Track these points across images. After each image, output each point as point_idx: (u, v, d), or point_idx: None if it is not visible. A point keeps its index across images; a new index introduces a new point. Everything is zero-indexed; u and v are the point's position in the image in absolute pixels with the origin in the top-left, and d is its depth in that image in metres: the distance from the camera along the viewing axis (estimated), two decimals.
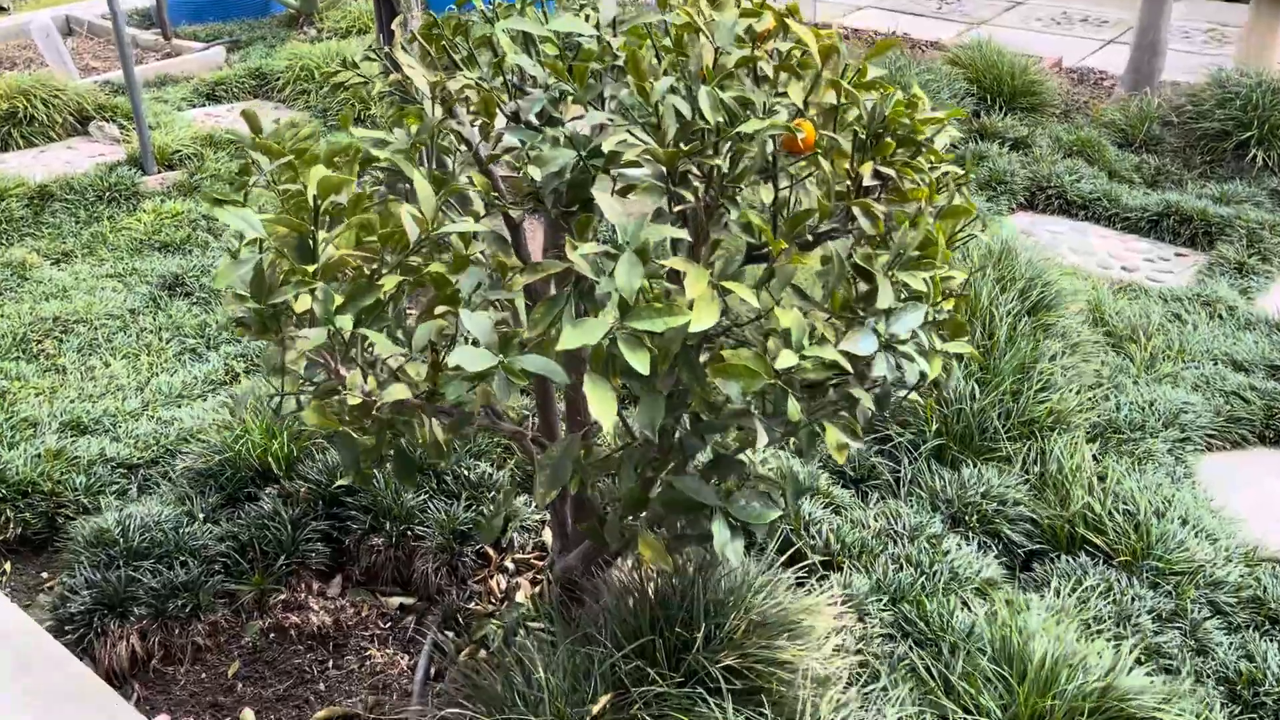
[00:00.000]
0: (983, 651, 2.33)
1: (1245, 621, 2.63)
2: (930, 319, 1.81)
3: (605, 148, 1.78)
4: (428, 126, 1.78)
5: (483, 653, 2.60)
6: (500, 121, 1.99)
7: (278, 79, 6.74)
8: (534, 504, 2.49)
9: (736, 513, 1.84)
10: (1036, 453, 3.06)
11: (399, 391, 1.72)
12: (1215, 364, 3.63)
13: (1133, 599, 2.62)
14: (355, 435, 1.81)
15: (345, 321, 1.70)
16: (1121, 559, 2.73)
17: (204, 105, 6.58)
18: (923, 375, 1.84)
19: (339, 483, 2.90)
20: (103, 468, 3.17)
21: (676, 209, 1.76)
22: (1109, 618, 2.57)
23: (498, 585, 2.78)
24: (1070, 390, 3.22)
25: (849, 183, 1.84)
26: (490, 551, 2.85)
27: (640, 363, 1.61)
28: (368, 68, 2.20)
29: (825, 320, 1.80)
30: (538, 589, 2.73)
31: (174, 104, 6.46)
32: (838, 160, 1.84)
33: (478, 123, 2.03)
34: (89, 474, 3.13)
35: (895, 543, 2.74)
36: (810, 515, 2.75)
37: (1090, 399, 3.26)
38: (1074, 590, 2.62)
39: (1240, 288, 4.25)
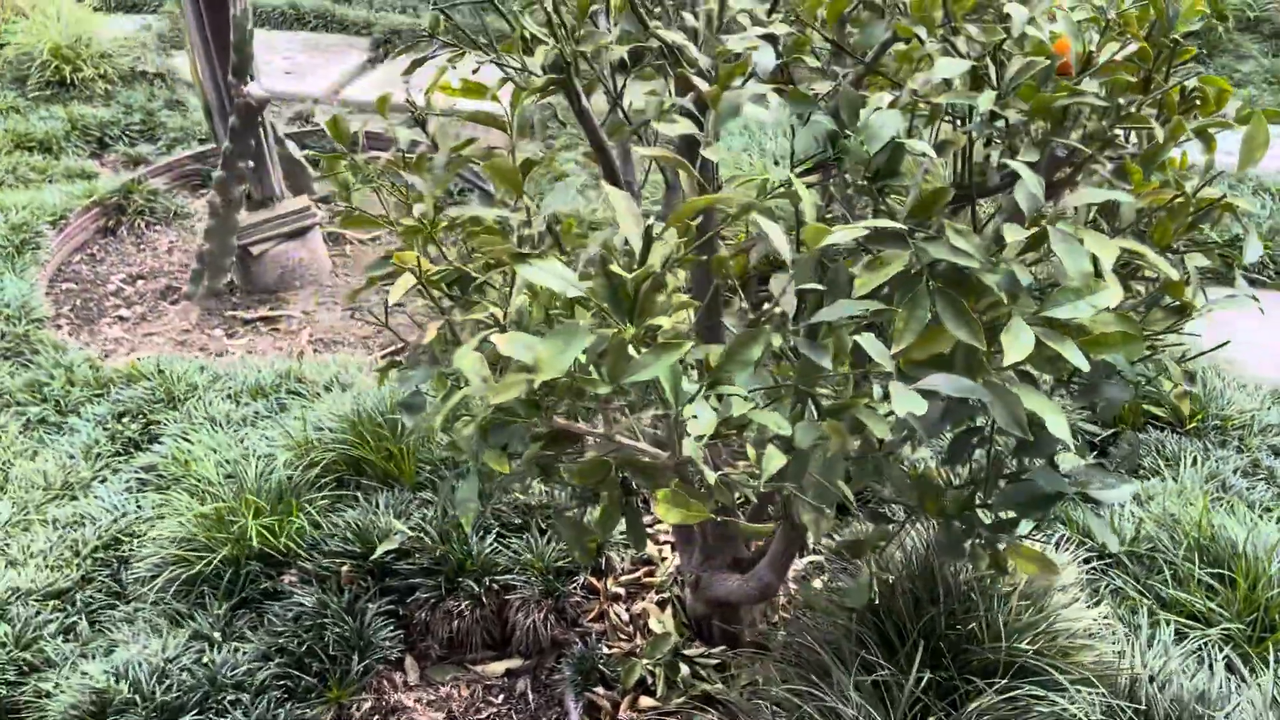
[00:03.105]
0: (1170, 558, 2.30)
1: None
2: None
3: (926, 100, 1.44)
4: None
5: (646, 700, 2.24)
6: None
7: None
8: (811, 540, 2.00)
9: (1097, 494, 1.62)
10: None
11: (776, 459, 1.33)
12: None
13: (1217, 463, 2.70)
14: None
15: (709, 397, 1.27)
16: (1191, 426, 2.80)
17: None
18: None
19: (384, 548, 2.35)
20: (21, 605, 2.38)
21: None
22: (1209, 486, 2.63)
23: (619, 617, 2.39)
24: None
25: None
26: (593, 581, 2.44)
27: (1081, 360, 1.33)
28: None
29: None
30: (666, 610, 2.37)
31: None
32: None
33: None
34: (8, 618, 2.34)
35: None
36: None
37: None
38: (1168, 466, 2.66)
39: None
